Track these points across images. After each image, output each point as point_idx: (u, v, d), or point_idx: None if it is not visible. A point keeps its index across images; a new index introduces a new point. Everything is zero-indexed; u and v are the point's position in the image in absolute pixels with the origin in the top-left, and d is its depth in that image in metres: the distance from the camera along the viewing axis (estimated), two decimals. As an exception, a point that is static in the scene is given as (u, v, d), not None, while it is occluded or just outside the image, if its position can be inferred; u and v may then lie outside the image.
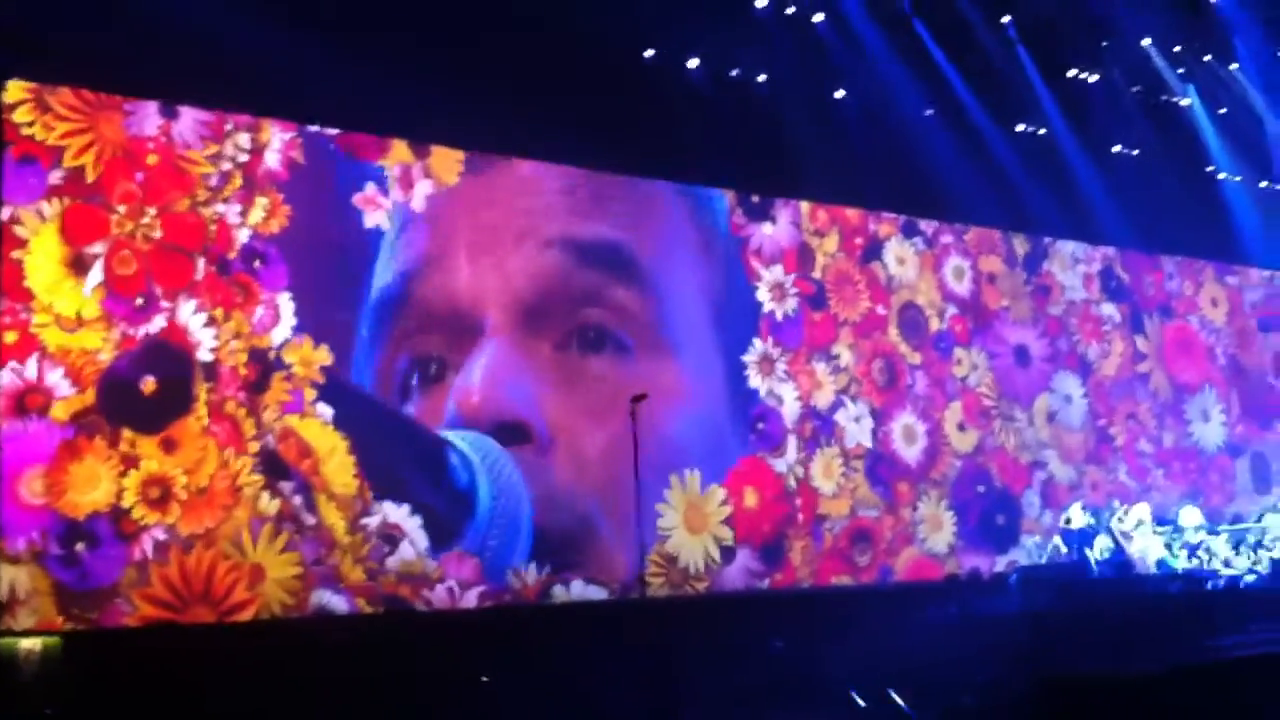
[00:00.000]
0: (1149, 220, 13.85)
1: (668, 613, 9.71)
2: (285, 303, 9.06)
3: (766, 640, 9.54)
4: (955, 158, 12.28)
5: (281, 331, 9.02)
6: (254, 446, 8.73)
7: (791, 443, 11.25)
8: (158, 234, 8.66)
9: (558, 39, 9.87)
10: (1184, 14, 12.76)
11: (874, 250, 12.25)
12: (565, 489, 9.87)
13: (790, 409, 11.31)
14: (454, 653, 8.65)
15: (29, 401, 8.07)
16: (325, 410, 9.03)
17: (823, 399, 11.53)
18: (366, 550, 9.01)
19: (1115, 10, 12.40)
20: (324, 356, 9.11)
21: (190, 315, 8.68)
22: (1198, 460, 14.12)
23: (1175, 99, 13.88)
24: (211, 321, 8.75)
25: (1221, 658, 8.64)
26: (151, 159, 8.74)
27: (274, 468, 8.78)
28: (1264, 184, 15.05)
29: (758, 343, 11.26)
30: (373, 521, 9.06)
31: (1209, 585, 11.60)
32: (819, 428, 11.44)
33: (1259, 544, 12.30)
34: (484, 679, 8.35)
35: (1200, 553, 12.13)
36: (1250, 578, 11.83)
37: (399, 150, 9.77)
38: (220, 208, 8.93)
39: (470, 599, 9.37)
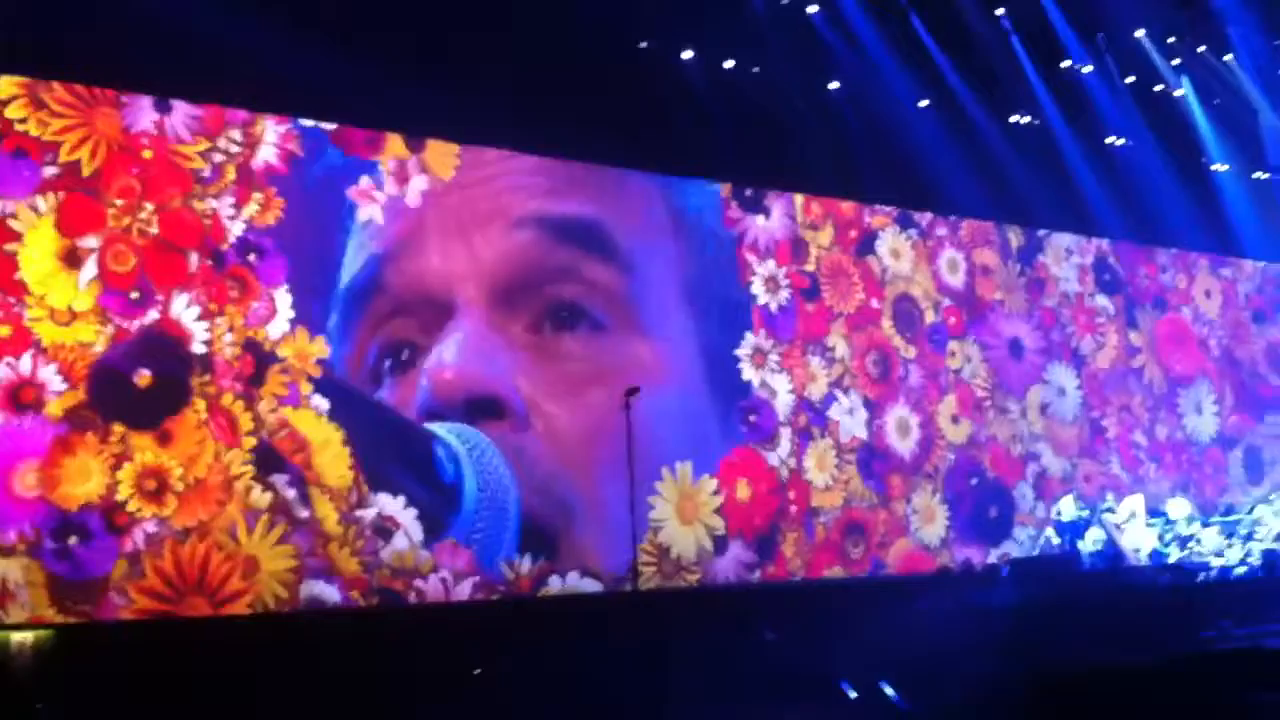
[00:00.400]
0: (1143, 212, 13.88)
1: (660, 604, 9.74)
2: (281, 296, 9.09)
3: (758, 632, 9.56)
4: (949, 150, 12.31)
5: (278, 324, 9.05)
6: (250, 441, 8.76)
7: (785, 435, 11.29)
8: (154, 229, 8.68)
9: (552, 31, 9.88)
10: (1178, 5, 12.78)
11: (868, 243, 12.26)
12: (549, 472, 9.88)
13: (783, 401, 11.34)
14: (447, 644, 8.68)
15: (23, 395, 8.09)
16: (321, 402, 9.06)
17: (816, 391, 11.56)
18: (360, 543, 9.04)
19: (1109, 1, 12.42)
20: (320, 349, 9.14)
21: (185, 308, 8.70)
22: (1190, 452, 14.16)
23: (1169, 90, 13.91)
24: (207, 315, 8.77)
25: (1212, 649, 8.68)
26: (147, 153, 8.74)
27: (269, 460, 8.80)
28: (1258, 175, 15.07)
29: (750, 335, 11.29)
30: (367, 514, 9.09)
31: (1200, 577, 11.63)
32: (812, 420, 11.48)
33: (1250, 535, 12.34)
34: (476, 670, 8.38)
35: (1192, 544, 12.18)
36: (1241, 569, 11.86)
37: (394, 144, 9.78)
38: (215, 202, 8.95)
39: (463, 591, 9.41)
